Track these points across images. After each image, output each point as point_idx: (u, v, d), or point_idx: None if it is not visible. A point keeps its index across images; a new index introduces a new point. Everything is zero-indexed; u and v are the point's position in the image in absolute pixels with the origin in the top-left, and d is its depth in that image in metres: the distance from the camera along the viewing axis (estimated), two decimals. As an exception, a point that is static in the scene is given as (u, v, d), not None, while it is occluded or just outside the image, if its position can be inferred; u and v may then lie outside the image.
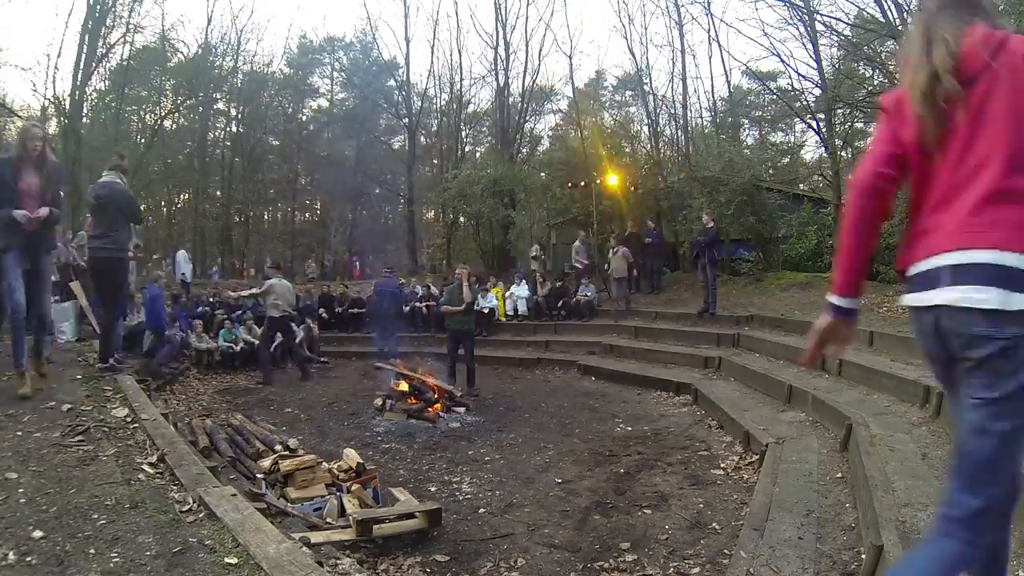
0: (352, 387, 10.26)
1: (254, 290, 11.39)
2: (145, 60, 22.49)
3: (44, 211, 4.43)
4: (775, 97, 20.31)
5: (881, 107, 1.74)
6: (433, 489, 5.40)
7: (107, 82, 22.13)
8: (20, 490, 2.92)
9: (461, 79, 23.88)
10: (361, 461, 5.20)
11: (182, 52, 23.18)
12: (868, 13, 14.07)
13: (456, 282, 9.70)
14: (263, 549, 2.47)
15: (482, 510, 4.88)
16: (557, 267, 16.97)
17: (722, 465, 5.86)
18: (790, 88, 17.35)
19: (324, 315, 14.11)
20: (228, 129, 24.78)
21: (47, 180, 4.54)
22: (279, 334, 10.97)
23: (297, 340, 11.54)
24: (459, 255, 22.20)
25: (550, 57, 40.07)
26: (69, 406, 4.23)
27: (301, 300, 13.13)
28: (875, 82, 14.56)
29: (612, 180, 15.96)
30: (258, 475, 4.91)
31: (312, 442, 6.85)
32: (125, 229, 5.61)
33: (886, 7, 12.60)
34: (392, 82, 24.54)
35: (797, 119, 19.11)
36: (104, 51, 20.04)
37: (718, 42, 20.21)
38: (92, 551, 2.45)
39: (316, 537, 3.71)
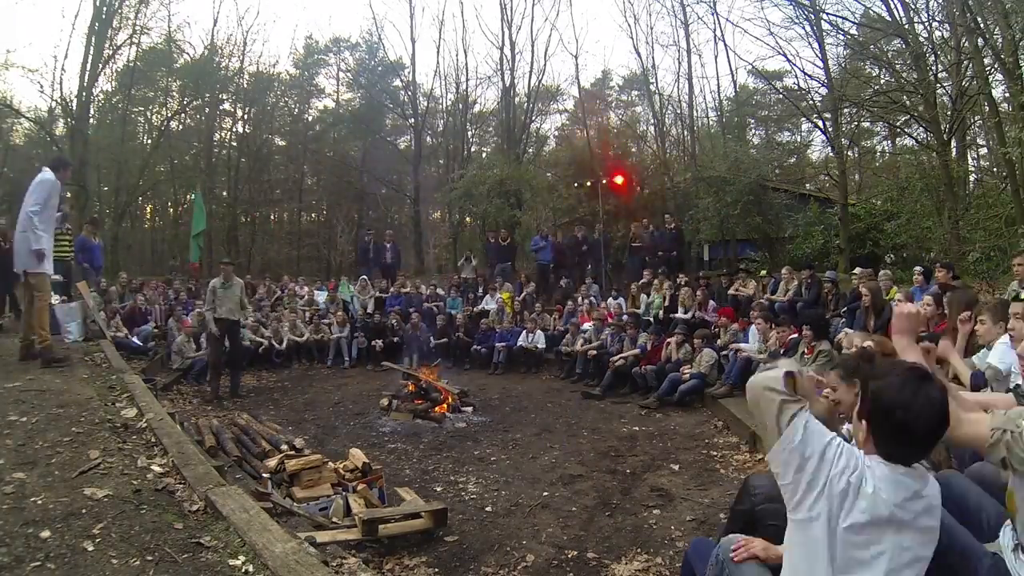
0: (358, 387, 10.28)
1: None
2: (151, 61, 22.51)
3: None
4: (781, 96, 20.21)
5: None
6: (439, 489, 5.40)
7: (114, 83, 22.18)
8: (29, 490, 2.93)
9: (467, 79, 23.86)
10: (367, 461, 5.20)
11: (188, 53, 23.27)
12: (874, 12, 14.05)
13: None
14: (269, 548, 2.48)
15: (488, 510, 4.87)
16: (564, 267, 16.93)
17: (729, 465, 5.85)
18: (796, 87, 17.23)
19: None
20: (234, 130, 24.82)
21: None
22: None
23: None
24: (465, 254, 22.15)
25: (556, 57, 40.32)
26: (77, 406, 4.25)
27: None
28: (881, 81, 14.50)
29: (618, 180, 15.94)
30: (264, 474, 4.91)
31: (318, 442, 6.87)
32: None
33: (892, 6, 12.56)
34: (398, 82, 24.51)
35: (803, 118, 19.00)
36: (111, 52, 20.11)
37: (724, 41, 20.05)
38: (100, 551, 2.46)
39: (322, 537, 3.72)
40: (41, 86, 18.79)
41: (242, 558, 2.43)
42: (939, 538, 1.71)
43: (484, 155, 25.27)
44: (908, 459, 1.63)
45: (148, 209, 27.08)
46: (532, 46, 22.02)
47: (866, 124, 19.22)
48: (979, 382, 3.63)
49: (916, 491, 1.60)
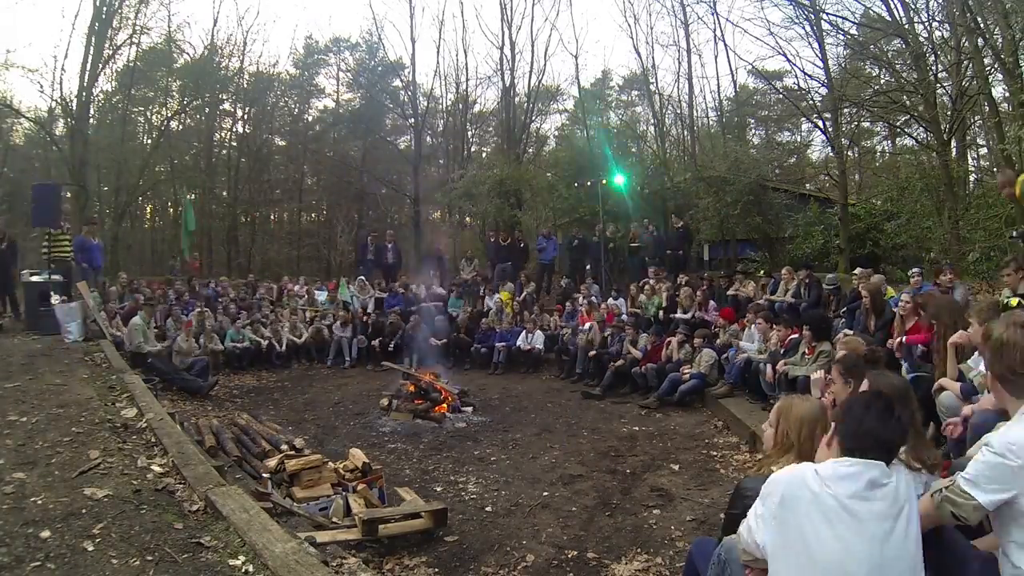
0: (358, 387, 10.27)
1: None
2: (151, 61, 22.46)
3: None
4: (781, 96, 20.21)
5: None
6: (439, 489, 5.40)
7: (114, 83, 22.10)
8: (29, 490, 2.93)
9: (467, 79, 23.86)
10: (367, 461, 5.20)
11: (188, 53, 23.24)
12: (874, 12, 14.03)
13: None
14: (269, 548, 2.48)
15: (488, 510, 4.87)
16: (562, 267, 16.95)
17: (728, 465, 5.84)
18: (796, 87, 17.23)
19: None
20: (234, 130, 24.80)
21: None
22: None
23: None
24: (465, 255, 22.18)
25: (556, 57, 40.48)
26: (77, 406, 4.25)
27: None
28: (881, 81, 14.49)
29: (618, 180, 15.93)
30: (264, 474, 4.91)
31: (318, 442, 6.87)
32: None
33: (892, 6, 12.54)
34: (398, 82, 24.46)
35: (803, 118, 19.00)
36: (111, 52, 20.04)
37: (724, 41, 20.05)
38: (100, 551, 2.46)
39: (322, 537, 3.71)
40: (41, 86, 18.73)
41: (242, 558, 2.43)
42: (932, 538, 1.72)
43: (484, 155, 25.28)
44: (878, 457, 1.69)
45: (148, 209, 27.05)
46: (532, 46, 22.03)
47: (866, 124, 19.22)
48: (968, 391, 3.62)
49: (872, 480, 1.61)
